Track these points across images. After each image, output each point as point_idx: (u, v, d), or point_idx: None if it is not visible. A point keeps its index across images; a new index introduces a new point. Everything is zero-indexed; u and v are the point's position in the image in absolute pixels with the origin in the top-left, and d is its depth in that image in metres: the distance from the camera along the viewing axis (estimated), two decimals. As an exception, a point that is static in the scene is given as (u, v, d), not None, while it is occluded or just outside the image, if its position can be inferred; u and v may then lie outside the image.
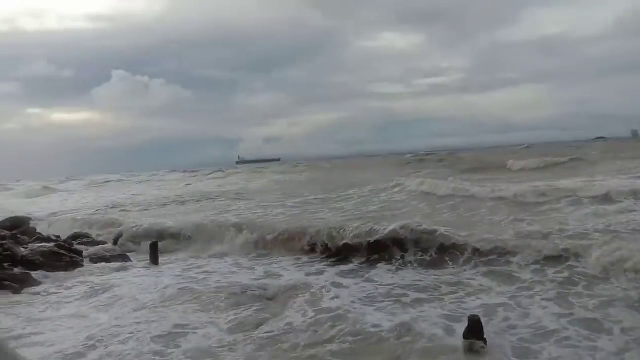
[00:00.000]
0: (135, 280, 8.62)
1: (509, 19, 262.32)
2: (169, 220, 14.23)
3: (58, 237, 12.22)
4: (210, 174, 50.97)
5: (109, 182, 48.75)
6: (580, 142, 78.29)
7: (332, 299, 6.54)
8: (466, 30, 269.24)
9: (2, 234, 11.70)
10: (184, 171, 66.81)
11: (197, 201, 21.53)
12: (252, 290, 7.17)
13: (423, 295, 6.68)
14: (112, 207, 20.55)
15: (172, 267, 9.81)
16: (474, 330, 4.65)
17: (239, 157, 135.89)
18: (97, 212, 18.81)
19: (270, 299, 6.77)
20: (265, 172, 46.24)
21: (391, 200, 15.91)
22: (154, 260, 10.26)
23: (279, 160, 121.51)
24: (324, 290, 6.94)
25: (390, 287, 7.21)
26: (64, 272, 9.48)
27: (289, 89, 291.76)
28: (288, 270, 8.82)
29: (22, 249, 10.32)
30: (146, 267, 9.91)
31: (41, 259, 9.86)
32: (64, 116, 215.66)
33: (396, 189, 17.50)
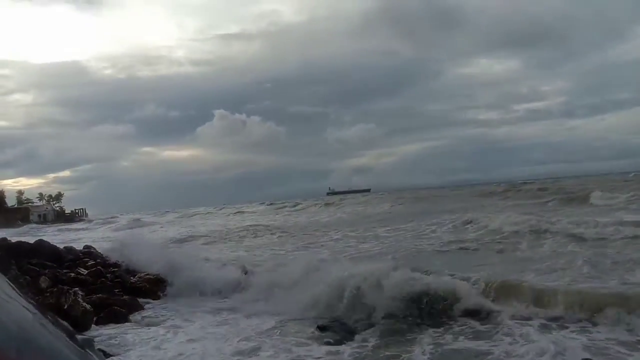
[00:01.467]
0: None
1: (617, 36, 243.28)
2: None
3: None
4: (295, 205, 52.10)
5: (196, 214, 51.42)
6: None
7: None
8: (568, 50, 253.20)
9: (115, 261, 12.72)
10: (270, 203, 68.56)
11: (284, 232, 22.02)
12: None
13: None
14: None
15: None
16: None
17: (329, 188, 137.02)
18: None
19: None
20: (350, 203, 46.46)
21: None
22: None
23: (369, 190, 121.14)
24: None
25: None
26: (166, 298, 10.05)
27: (380, 120, 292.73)
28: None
29: (131, 277, 11.11)
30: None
31: (147, 286, 10.52)
32: (172, 153, 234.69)
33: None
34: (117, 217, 52.29)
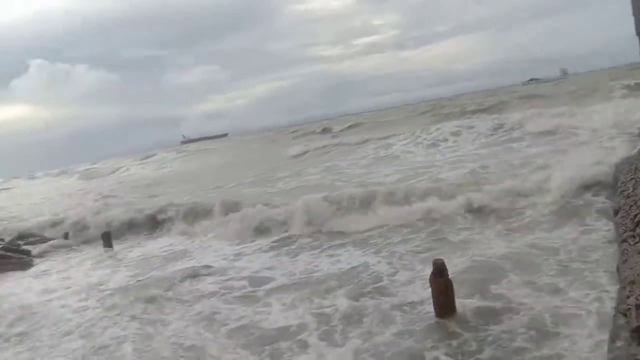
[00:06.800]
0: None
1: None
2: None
3: (2, 239, 12.44)
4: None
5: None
6: (512, 87, 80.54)
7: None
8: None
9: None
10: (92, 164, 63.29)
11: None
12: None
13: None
14: None
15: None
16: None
17: (183, 136, 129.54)
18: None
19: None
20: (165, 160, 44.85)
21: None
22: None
23: (226, 135, 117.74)
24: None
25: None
26: (12, 272, 9.86)
27: (224, 62, 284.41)
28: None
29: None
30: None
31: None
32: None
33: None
34: None
